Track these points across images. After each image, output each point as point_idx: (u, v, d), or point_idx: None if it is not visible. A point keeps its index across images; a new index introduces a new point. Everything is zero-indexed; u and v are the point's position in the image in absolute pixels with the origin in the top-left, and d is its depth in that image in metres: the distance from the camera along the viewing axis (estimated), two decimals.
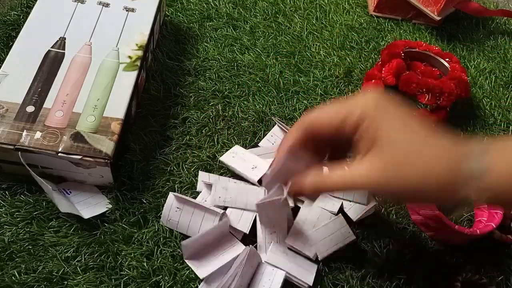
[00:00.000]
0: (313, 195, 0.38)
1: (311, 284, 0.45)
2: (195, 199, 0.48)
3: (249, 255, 0.43)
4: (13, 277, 0.42)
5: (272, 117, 0.57)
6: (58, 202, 0.45)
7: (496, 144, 0.32)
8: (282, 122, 0.56)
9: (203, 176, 0.50)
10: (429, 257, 0.50)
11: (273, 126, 0.56)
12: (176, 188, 0.50)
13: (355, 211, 0.50)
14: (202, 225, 0.46)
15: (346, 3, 0.75)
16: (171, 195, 0.46)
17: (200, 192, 0.50)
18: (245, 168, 0.50)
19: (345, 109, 0.34)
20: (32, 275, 0.43)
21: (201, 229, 0.46)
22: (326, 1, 0.74)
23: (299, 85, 0.62)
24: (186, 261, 0.45)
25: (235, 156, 0.52)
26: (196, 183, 0.51)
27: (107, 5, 0.57)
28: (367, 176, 0.32)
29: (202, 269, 0.44)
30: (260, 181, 0.49)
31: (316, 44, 0.67)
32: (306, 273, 0.45)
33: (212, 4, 0.69)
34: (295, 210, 0.49)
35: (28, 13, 0.55)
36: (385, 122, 0.32)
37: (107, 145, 0.46)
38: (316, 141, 0.37)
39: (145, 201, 0.49)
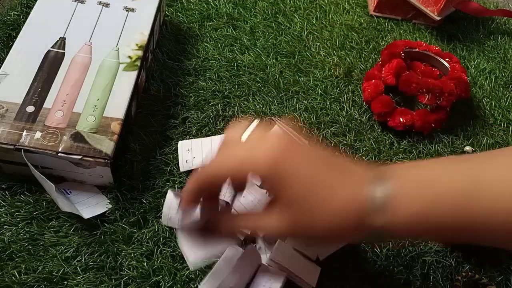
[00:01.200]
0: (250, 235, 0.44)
1: (314, 286, 0.45)
2: None
3: (249, 254, 0.43)
4: (13, 277, 0.42)
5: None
6: (59, 201, 0.45)
7: (395, 169, 0.33)
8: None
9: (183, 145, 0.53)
10: (429, 257, 0.50)
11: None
12: (176, 188, 0.50)
13: None
14: None
15: (346, 3, 0.75)
16: (169, 193, 0.46)
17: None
18: None
19: (247, 166, 0.33)
20: (32, 275, 0.43)
21: None
22: (326, 1, 0.74)
23: (299, 85, 0.62)
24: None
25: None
26: None
27: (107, 5, 0.57)
28: (277, 227, 0.34)
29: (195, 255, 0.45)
30: None
31: (316, 44, 0.67)
32: (310, 275, 0.45)
33: (212, 4, 0.69)
34: None
35: (28, 13, 0.55)
36: (288, 180, 0.32)
37: (107, 145, 0.46)
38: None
39: (145, 201, 0.49)
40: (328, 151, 0.35)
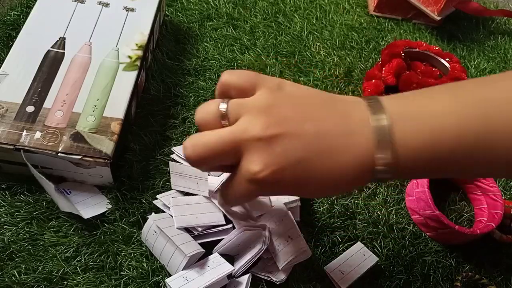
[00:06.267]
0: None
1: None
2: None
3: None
4: (13, 277, 0.42)
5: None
6: (59, 201, 0.45)
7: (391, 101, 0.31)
8: None
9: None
10: (429, 257, 0.50)
11: None
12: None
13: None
14: (172, 260, 0.43)
15: (346, 3, 0.75)
16: (150, 219, 0.44)
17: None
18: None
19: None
20: (32, 275, 0.43)
21: (170, 263, 0.43)
22: (326, 1, 0.74)
23: None
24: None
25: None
26: None
27: (107, 5, 0.57)
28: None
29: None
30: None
31: (316, 44, 0.67)
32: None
33: (212, 4, 0.69)
34: None
35: (28, 13, 0.55)
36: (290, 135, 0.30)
37: (107, 145, 0.46)
38: None
39: (144, 201, 0.49)
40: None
